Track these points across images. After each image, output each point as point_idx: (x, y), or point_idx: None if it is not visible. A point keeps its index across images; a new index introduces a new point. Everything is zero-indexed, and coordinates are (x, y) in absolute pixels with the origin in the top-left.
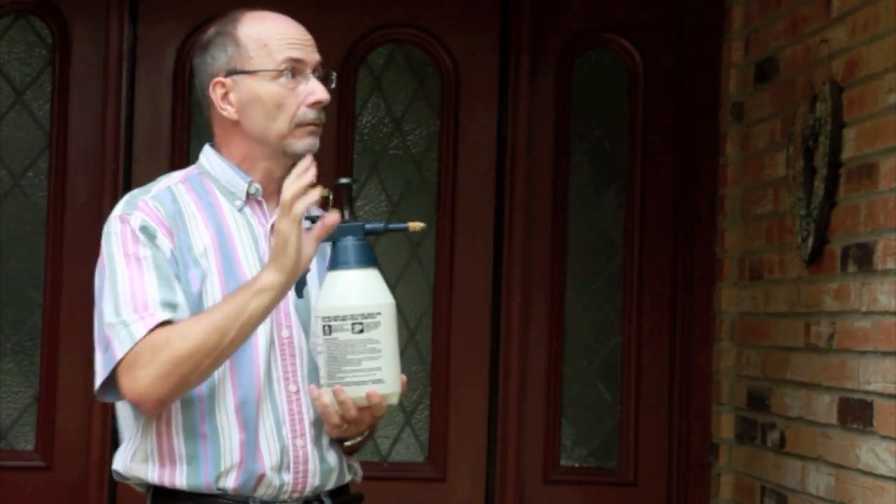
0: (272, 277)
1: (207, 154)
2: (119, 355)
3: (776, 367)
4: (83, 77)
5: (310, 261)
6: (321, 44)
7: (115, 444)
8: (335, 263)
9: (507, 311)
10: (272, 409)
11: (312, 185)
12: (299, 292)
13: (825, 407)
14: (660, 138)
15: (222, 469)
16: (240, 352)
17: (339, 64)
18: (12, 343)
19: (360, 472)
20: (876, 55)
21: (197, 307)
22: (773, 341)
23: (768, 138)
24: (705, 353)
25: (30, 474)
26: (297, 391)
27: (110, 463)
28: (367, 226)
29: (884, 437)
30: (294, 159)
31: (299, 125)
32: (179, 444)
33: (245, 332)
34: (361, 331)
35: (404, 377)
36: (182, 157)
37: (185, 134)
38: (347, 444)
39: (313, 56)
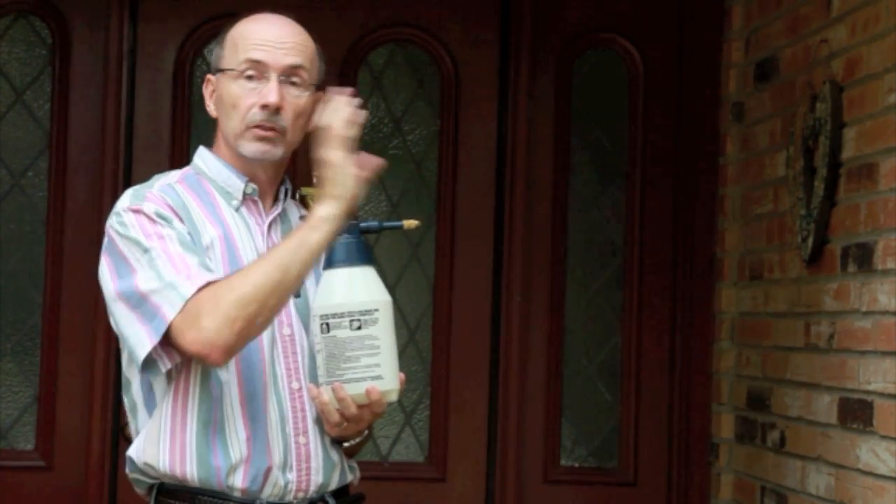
0: (329, 208)
1: (202, 155)
2: (171, 315)
3: (776, 366)
4: (83, 77)
5: (359, 199)
6: (321, 44)
7: (115, 443)
8: (331, 262)
9: (507, 311)
10: (277, 406)
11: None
12: (296, 291)
13: (825, 407)
14: (660, 138)
15: (232, 462)
16: (246, 346)
17: (339, 64)
18: (12, 343)
19: (358, 473)
20: (876, 55)
21: None
22: (774, 341)
23: (768, 138)
24: (705, 353)
25: (30, 474)
26: (300, 388)
27: (111, 463)
28: (362, 224)
29: (884, 437)
30: (250, 164)
31: (249, 126)
32: (192, 431)
33: (306, 265)
34: (359, 328)
35: (402, 375)
36: (182, 156)
37: (184, 134)
38: (346, 444)
39: (280, 60)
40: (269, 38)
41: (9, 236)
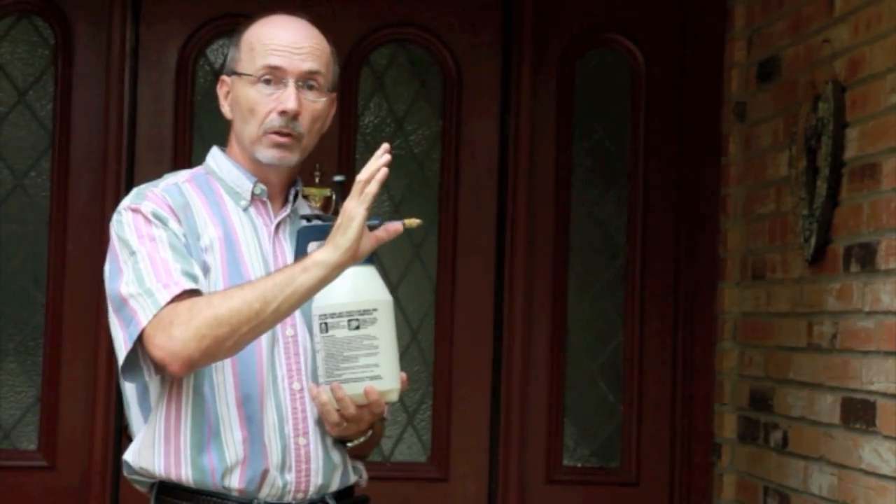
0: (326, 254)
1: (214, 155)
2: (144, 322)
3: (779, 366)
4: (86, 77)
5: (365, 255)
6: None
7: (118, 443)
8: None
9: (510, 312)
10: (275, 407)
11: (387, 166)
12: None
13: (828, 407)
14: (662, 138)
15: (228, 465)
16: None
17: (341, 64)
18: (15, 343)
19: (365, 475)
20: (878, 55)
21: None
22: (776, 341)
23: (771, 138)
24: (708, 353)
25: (32, 474)
26: (301, 389)
27: (113, 463)
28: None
29: (886, 437)
30: (264, 168)
31: (266, 132)
32: (186, 435)
33: (289, 305)
34: (358, 327)
35: (404, 375)
36: (185, 156)
37: (187, 134)
38: (350, 445)
39: (298, 65)
40: (287, 43)
41: (11, 236)
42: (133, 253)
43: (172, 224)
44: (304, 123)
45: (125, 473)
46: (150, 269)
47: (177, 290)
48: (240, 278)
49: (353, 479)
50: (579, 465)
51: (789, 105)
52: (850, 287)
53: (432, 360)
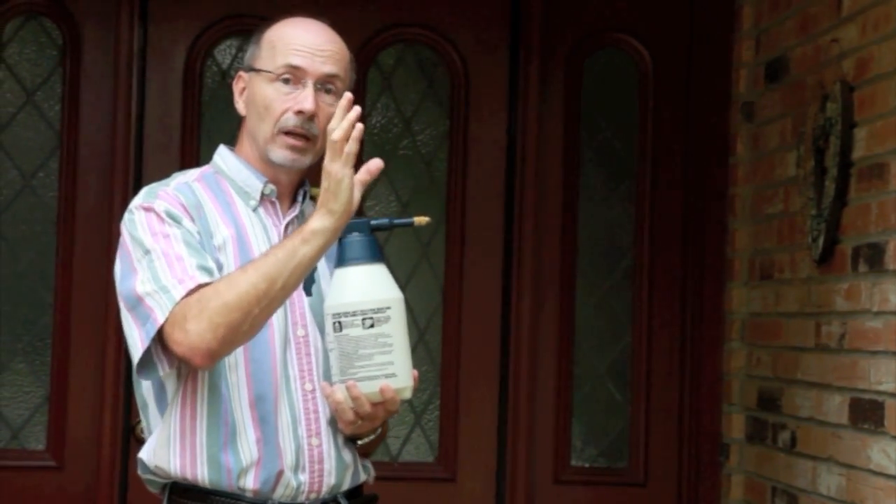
0: (323, 222)
1: (223, 154)
2: (161, 319)
3: (787, 367)
4: (93, 77)
5: (356, 206)
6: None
7: (126, 444)
8: (342, 260)
9: (517, 311)
10: (289, 408)
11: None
12: (308, 290)
13: (836, 407)
14: (670, 138)
15: (244, 465)
16: (255, 347)
17: None
18: (23, 343)
19: (372, 473)
20: (887, 55)
21: None
22: (784, 341)
23: (779, 138)
24: (716, 354)
25: (41, 474)
26: (313, 390)
27: (121, 463)
28: (373, 222)
29: (895, 438)
30: (274, 168)
31: (281, 132)
32: (203, 434)
33: (295, 278)
34: (372, 325)
35: (416, 372)
36: (192, 156)
37: (195, 134)
38: (360, 442)
39: (319, 68)
40: (309, 45)
41: (20, 237)
42: (147, 251)
43: (186, 222)
44: (319, 126)
45: (139, 472)
46: (164, 266)
47: (191, 285)
48: None
49: (363, 477)
50: (587, 465)
51: (797, 105)
52: (859, 287)
53: (440, 361)
